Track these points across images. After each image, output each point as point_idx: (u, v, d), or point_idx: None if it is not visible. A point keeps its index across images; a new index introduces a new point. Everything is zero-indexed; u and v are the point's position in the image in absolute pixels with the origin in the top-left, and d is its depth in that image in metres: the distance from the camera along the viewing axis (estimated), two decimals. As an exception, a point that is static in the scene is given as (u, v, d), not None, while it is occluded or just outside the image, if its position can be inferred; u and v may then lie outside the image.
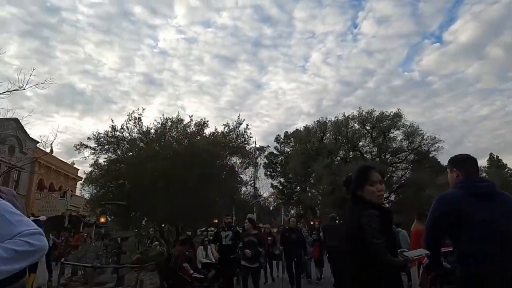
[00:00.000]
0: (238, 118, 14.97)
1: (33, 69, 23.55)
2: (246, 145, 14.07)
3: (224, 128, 14.74)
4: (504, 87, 66.48)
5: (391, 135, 25.83)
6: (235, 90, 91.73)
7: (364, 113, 25.58)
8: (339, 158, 26.99)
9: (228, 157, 15.33)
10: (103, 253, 9.67)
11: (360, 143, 26.49)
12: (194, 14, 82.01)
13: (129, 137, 12.39)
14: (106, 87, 76.17)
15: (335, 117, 26.64)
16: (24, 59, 54.40)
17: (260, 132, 73.57)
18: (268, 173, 36.70)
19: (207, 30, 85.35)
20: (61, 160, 31.38)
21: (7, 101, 75.35)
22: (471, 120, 66.85)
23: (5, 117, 17.28)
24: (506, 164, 38.39)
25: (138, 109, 13.03)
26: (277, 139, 36.91)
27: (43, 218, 13.91)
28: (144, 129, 12.62)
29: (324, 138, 27.38)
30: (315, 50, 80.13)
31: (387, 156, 26.19)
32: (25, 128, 24.57)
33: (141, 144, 12.46)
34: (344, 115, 26.16)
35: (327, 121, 27.08)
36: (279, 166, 37.40)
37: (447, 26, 74.06)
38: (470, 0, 69.61)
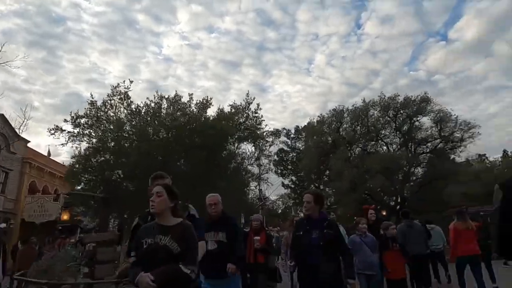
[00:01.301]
0: (247, 97, 12.66)
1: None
2: (258, 126, 11.70)
3: (230, 108, 12.36)
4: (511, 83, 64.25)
5: (417, 122, 23.09)
6: (239, 95, 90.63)
7: (386, 98, 22.89)
8: (359, 149, 24.29)
9: (236, 144, 12.97)
10: (76, 262, 7.21)
11: (383, 132, 23.77)
12: (197, 20, 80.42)
13: (114, 117, 9.97)
14: (111, 94, 74.52)
15: (353, 105, 24.01)
16: (31, 70, 52.96)
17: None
18: (279, 171, 34.15)
19: (211, 36, 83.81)
20: (56, 162, 29.22)
21: (15, 112, 74.17)
22: (480, 118, 64.50)
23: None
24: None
25: (124, 81, 10.61)
26: (287, 134, 34.41)
27: (2, 225, 11.66)
28: (133, 107, 10.24)
29: (341, 129, 24.72)
30: (319, 52, 78.63)
31: (413, 146, 23.45)
32: (13, 126, 22.43)
33: (129, 125, 10.05)
34: (364, 101, 23.49)
35: (344, 109, 24.44)
36: (290, 164, 34.85)
37: (452, 24, 72.41)
38: None
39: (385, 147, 23.94)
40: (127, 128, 9.96)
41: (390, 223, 5.72)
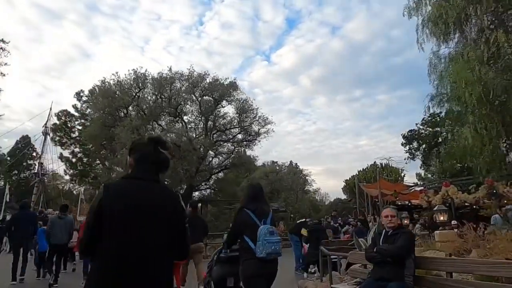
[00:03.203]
0: None
1: None
2: None
3: None
4: (306, 111, 80.00)
5: (223, 109, 21.76)
6: (56, 53, 74.04)
7: (195, 75, 20.41)
8: (156, 124, 20.78)
9: None
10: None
11: (185, 110, 21.23)
12: None
13: None
14: None
15: (158, 73, 20.36)
16: None
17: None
18: (57, 138, 26.76)
19: (25, -30, 64.16)
20: None
21: None
22: (280, 133, 75.77)
23: None
24: (302, 169, 43.00)
25: None
26: (78, 95, 27.42)
27: None
28: None
29: (140, 95, 20.59)
30: (158, 35, 73.37)
31: (214, 134, 21.94)
32: None
33: None
34: (170, 70, 20.22)
35: (147, 74, 20.40)
36: (76, 131, 27.98)
37: (275, 49, 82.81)
38: (295, 32, 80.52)
39: (184, 126, 21.37)
40: None
41: None
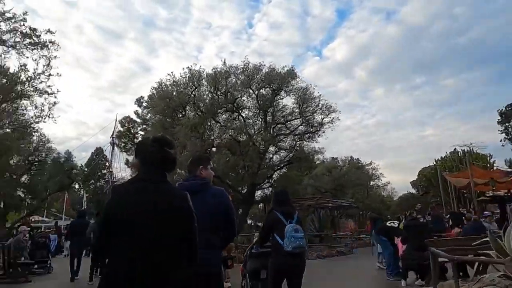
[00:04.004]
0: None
1: None
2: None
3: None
4: (363, 104, 75.81)
5: (281, 100, 20.33)
6: (119, 70, 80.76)
7: (250, 66, 19.34)
8: (214, 121, 20.06)
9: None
10: None
11: (241, 104, 20.23)
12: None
13: None
14: None
15: (213, 69, 19.66)
16: None
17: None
18: (123, 144, 27.68)
19: (91, -5, 70.67)
20: None
21: None
22: (338, 129, 72.29)
23: None
24: (371, 161, 40.50)
25: None
26: (138, 102, 28.11)
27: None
28: None
29: (196, 93, 20.10)
30: (210, 42, 75.68)
31: (274, 127, 20.58)
32: None
33: None
34: (224, 63, 19.40)
35: (201, 71, 19.81)
36: (139, 137, 28.72)
37: (326, 43, 79.96)
38: (346, 24, 76.69)
39: (243, 121, 20.30)
40: None
41: None
